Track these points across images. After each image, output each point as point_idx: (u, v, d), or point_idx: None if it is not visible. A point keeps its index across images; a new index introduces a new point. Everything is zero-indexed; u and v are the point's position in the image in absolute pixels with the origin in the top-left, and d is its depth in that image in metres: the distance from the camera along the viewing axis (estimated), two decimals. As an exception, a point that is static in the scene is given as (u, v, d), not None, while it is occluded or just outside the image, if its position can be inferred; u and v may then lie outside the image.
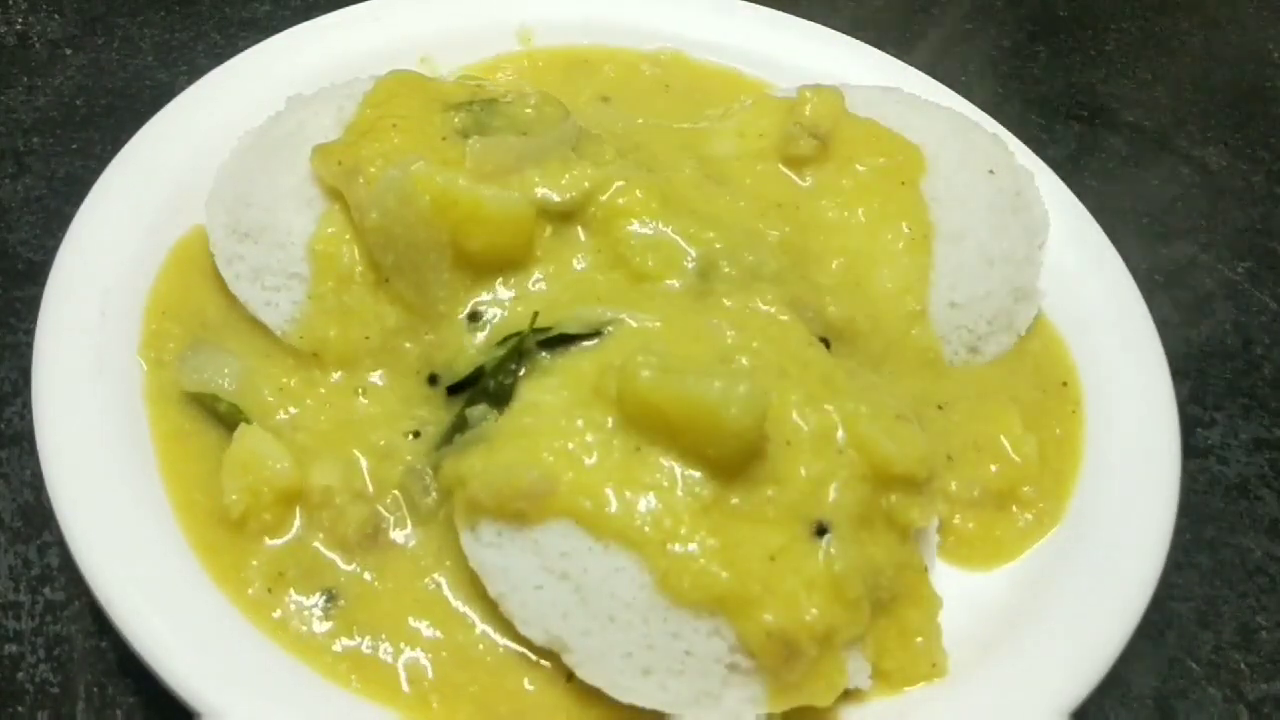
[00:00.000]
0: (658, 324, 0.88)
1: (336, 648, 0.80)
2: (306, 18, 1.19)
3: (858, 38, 1.30)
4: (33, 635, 0.86)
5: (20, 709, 0.83)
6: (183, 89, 1.10)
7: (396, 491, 0.87)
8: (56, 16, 1.34)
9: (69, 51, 1.30)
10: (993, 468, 0.94)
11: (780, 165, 1.04)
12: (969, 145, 1.10)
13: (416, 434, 0.89)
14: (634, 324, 0.88)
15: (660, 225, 0.93)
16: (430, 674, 0.79)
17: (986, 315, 1.02)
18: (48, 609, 0.88)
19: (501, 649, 0.81)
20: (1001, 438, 0.95)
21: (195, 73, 1.13)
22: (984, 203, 1.06)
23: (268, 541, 0.83)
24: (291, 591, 0.81)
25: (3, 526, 0.92)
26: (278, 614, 0.81)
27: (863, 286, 0.98)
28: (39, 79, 1.26)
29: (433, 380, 0.91)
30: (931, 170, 1.05)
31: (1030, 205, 1.10)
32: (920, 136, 1.08)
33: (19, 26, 1.32)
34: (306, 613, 0.81)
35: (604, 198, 0.94)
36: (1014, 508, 0.93)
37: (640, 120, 1.11)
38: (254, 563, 0.82)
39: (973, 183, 1.07)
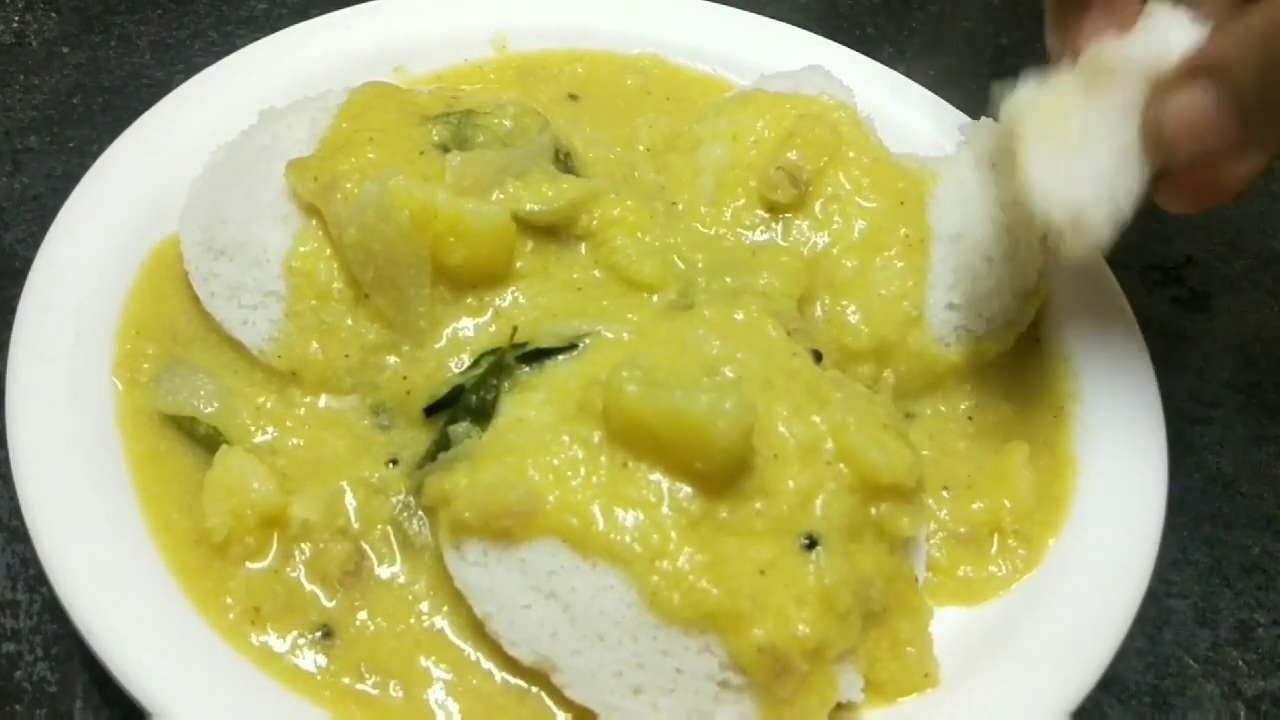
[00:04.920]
0: (641, 337, 0.87)
1: (335, 681, 0.78)
2: (304, 16, 1.17)
3: (853, 35, 1.27)
4: (31, 634, 0.86)
5: (19, 707, 0.82)
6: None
7: (386, 526, 0.85)
8: (53, 15, 1.32)
9: (66, 50, 1.28)
10: (976, 506, 0.93)
11: (758, 210, 1.00)
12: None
13: (394, 461, 0.88)
14: (611, 336, 0.87)
15: (643, 238, 0.92)
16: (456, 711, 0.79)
17: (986, 314, 1.01)
18: (45, 607, 0.87)
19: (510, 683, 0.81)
20: (999, 474, 0.95)
21: (192, 70, 1.11)
22: (983, 203, 1.03)
23: (249, 566, 0.82)
24: (275, 621, 0.80)
25: (1, 525, 0.91)
26: (262, 641, 0.79)
27: (858, 298, 0.97)
28: (36, 77, 1.25)
29: (379, 412, 0.90)
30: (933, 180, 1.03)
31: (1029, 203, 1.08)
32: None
33: (16, 25, 1.30)
34: (296, 643, 0.80)
35: (586, 211, 0.92)
36: (1009, 541, 0.92)
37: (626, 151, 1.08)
38: (235, 587, 0.81)
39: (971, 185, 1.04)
